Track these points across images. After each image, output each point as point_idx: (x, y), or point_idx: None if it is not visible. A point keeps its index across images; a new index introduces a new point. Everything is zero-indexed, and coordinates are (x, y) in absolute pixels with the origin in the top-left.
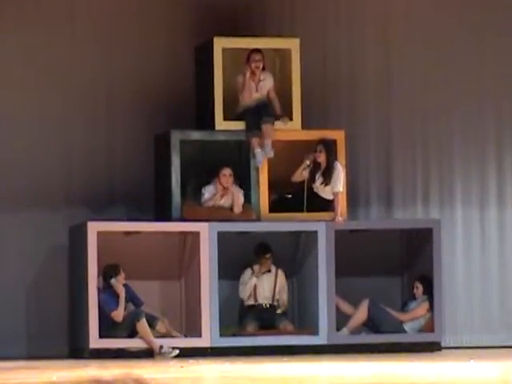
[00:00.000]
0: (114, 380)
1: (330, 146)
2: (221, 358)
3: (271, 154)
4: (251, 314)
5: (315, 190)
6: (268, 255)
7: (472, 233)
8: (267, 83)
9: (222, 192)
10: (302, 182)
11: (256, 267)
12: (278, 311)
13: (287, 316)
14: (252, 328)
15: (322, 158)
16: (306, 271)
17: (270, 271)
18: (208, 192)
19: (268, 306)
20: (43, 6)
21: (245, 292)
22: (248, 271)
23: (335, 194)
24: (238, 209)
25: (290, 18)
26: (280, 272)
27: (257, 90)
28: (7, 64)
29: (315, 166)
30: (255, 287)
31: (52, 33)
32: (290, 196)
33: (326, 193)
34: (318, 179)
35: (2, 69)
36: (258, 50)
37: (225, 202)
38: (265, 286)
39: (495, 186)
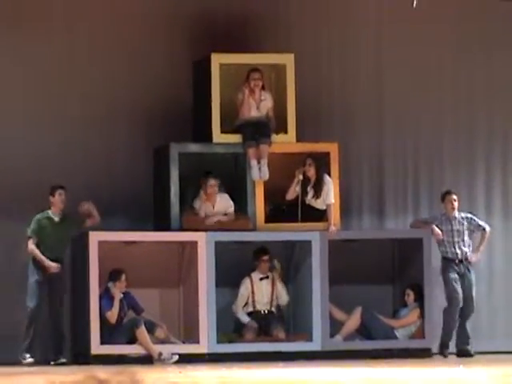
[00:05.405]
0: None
1: (318, 160)
2: (218, 363)
3: (266, 177)
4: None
5: (307, 202)
6: (266, 257)
7: None
8: (268, 103)
9: (207, 199)
10: (296, 196)
11: (254, 274)
12: (275, 316)
13: (283, 322)
14: (249, 334)
15: (311, 172)
16: (300, 279)
17: (267, 277)
18: (197, 203)
19: (266, 312)
20: (42, 18)
21: (242, 300)
22: (246, 279)
23: (328, 206)
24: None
25: (285, 33)
26: (276, 276)
27: (258, 109)
28: (5, 75)
29: (305, 179)
30: (253, 294)
31: (50, 49)
32: (284, 207)
33: (318, 204)
34: (309, 192)
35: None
36: (256, 69)
37: (218, 207)
38: (263, 291)
39: (483, 196)
